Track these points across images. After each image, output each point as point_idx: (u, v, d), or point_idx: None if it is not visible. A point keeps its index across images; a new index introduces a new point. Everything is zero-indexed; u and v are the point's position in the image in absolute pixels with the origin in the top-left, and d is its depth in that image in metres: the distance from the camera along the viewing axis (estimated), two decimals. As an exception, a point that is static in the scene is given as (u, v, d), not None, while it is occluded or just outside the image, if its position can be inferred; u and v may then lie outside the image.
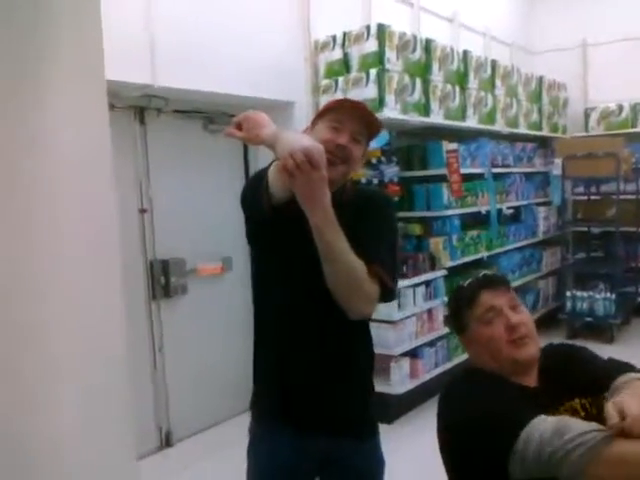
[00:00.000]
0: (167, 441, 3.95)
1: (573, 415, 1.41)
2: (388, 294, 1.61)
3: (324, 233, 1.47)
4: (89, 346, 2.02)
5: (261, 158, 4.11)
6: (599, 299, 6.12)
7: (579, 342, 5.72)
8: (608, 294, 6.11)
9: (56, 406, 1.93)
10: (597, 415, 1.39)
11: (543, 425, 1.28)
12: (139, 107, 3.77)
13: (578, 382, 1.49)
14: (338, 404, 1.66)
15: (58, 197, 1.94)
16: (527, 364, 1.49)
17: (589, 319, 6.17)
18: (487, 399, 1.40)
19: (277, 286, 1.67)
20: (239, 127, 1.56)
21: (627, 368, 1.51)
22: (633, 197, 6.50)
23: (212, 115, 4.23)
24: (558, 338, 6.29)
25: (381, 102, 4.18)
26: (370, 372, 1.77)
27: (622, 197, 6.20)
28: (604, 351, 1.67)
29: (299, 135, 1.53)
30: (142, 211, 3.81)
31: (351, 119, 1.61)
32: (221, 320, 4.28)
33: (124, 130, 3.72)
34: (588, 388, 1.48)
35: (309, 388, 1.65)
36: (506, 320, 1.47)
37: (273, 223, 1.55)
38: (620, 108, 6.88)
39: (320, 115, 1.67)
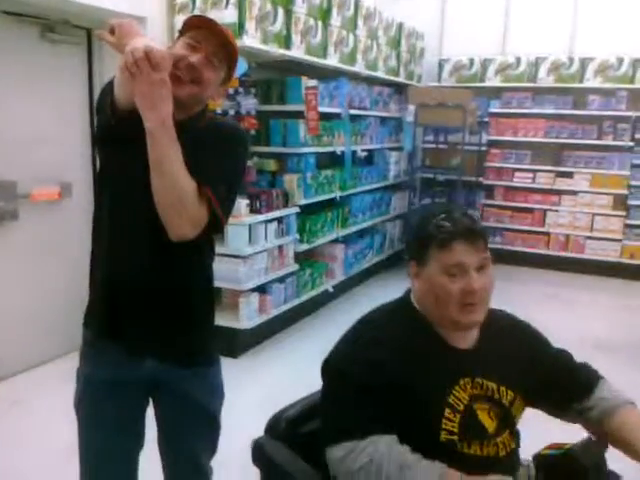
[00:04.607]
0: (-8, 378, 3.65)
1: (483, 398, 1.40)
2: (215, 224, 1.52)
3: (157, 141, 1.40)
4: None
5: (107, 75, 3.76)
6: (439, 242, 6.54)
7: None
8: (447, 238, 6.55)
9: None
10: (502, 416, 1.41)
11: (387, 455, 1.26)
12: (-41, 2, 3.27)
13: (510, 372, 1.45)
14: (165, 328, 1.59)
15: None
16: (466, 328, 1.43)
17: (429, 261, 6.56)
18: (377, 359, 1.35)
19: (113, 194, 1.57)
20: (112, 32, 1.53)
21: (589, 377, 1.51)
22: (475, 148, 6.93)
23: (52, 23, 3.78)
24: (401, 277, 6.64)
25: (241, 28, 3.99)
26: (206, 302, 1.70)
27: (466, 148, 6.60)
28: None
29: (151, 41, 1.42)
30: (-37, 124, 3.36)
31: (209, 41, 1.53)
32: (56, 251, 3.96)
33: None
34: (518, 383, 1.45)
35: (136, 306, 1.57)
36: (467, 283, 1.36)
37: (117, 130, 1.49)
38: (471, 62, 7.22)
39: (182, 32, 1.59)
